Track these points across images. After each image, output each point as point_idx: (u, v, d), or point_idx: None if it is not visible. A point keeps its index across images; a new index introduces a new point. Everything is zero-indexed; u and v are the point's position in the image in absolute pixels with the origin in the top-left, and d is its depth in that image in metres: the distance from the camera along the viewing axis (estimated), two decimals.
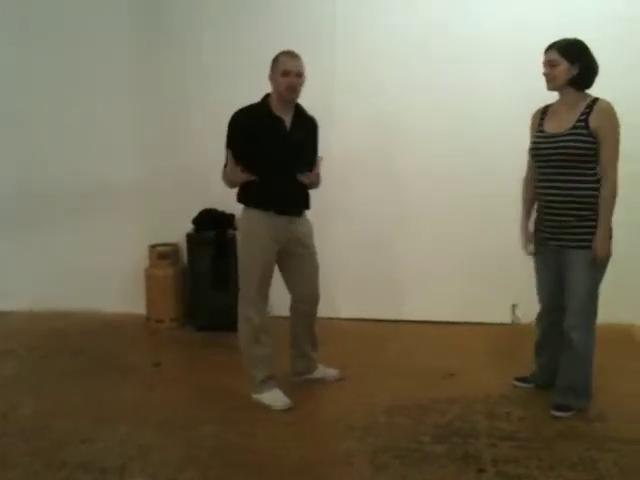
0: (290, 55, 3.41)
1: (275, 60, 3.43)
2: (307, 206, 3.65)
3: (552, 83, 3.29)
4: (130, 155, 5.10)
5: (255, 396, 3.61)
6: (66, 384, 3.97)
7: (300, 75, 3.41)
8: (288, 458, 3.08)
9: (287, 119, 3.47)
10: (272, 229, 3.47)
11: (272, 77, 3.43)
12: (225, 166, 3.47)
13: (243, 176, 3.39)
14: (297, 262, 3.64)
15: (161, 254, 4.97)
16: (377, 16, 4.65)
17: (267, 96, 3.50)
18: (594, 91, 3.27)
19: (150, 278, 5.01)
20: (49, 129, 5.18)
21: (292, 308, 3.77)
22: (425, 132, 4.70)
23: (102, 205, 5.20)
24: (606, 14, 4.33)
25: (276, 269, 3.64)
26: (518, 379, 3.80)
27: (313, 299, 3.75)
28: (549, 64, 3.26)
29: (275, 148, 3.40)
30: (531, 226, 3.58)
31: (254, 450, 3.16)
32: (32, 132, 5.18)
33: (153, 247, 5.01)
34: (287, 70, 3.36)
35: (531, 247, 3.58)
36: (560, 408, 3.40)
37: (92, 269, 5.22)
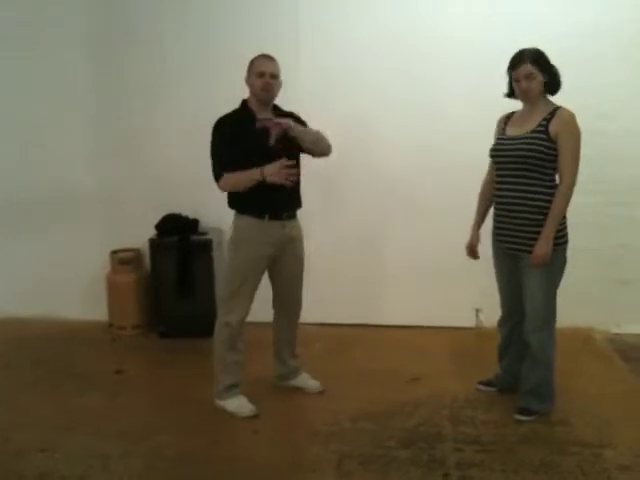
0: (265, 57, 3.44)
1: (251, 63, 3.45)
2: (299, 204, 3.63)
3: (530, 95, 3.26)
4: (93, 159, 5.02)
5: (219, 402, 3.57)
6: (27, 393, 3.91)
7: (275, 76, 3.43)
8: (252, 466, 3.06)
9: None
10: (266, 235, 3.46)
11: (248, 80, 3.45)
12: (217, 179, 3.38)
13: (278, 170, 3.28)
14: (285, 266, 3.63)
15: (123, 260, 4.89)
16: (341, 21, 4.66)
17: (245, 102, 3.50)
18: (558, 97, 3.31)
19: (111, 284, 4.93)
20: (5, 136, 5.08)
21: (275, 312, 3.77)
22: (392, 138, 4.71)
23: (63, 210, 5.12)
24: (569, 23, 4.39)
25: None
26: (482, 383, 3.81)
27: (295, 304, 3.75)
28: (528, 77, 3.22)
29: (263, 151, 3.34)
30: (483, 230, 3.62)
31: (217, 458, 3.12)
32: None
33: (115, 253, 4.93)
34: (262, 71, 3.39)
35: (475, 249, 3.64)
36: (523, 412, 3.43)
37: (53, 275, 5.13)
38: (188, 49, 4.82)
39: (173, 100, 4.86)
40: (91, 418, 3.56)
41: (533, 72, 3.21)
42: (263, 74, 3.39)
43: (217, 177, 3.39)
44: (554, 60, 3.26)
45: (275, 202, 3.45)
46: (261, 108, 3.45)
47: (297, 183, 3.58)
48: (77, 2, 4.88)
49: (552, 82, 3.25)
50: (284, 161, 3.28)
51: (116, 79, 4.95)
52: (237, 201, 3.50)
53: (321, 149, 3.56)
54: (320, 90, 4.68)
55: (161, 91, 4.90)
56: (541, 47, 3.26)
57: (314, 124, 4.38)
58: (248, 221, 3.47)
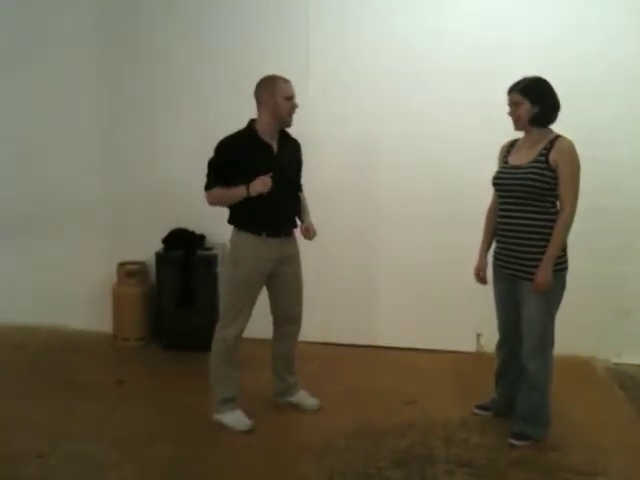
0: (287, 80, 3.50)
1: (271, 84, 3.47)
2: (295, 225, 3.71)
3: (517, 124, 3.38)
4: (102, 173, 5.12)
5: (216, 416, 3.60)
6: (27, 399, 3.95)
7: None
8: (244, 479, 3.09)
9: (274, 143, 3.53)
10: (264, 252, 3.52)
11: (269, 100, 3.45)
12: (207, 189, 3.50)
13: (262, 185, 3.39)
14: (283, 283, 3.68)
15: (129, 272, 4.96)
16: (350, 45, 4.74)
17: (252, 121, 3.54)
18: (557, 126, 3.36)
19: (117, 296, 4.98)
20: (17, 145, 5.20)
21: (275, 329, 3.81)
22: (394, 156, 4.76)
23: (72, 221, 5.20)
24: (572, 54, 4.45)
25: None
26: (478, 407, 3.82)
27: (295, 320, 3.79)
28: (512, 104, 3.35)
29: (265, 173, 3.40)
30: (489, 255, 3.65)
31: (210, 471, 3.16)
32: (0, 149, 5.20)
33: (122, 265, 4.99)
34: (291, 95, 3.47)
35: (483, 275, 3.66)
36: (517, 437, 3.43)
37: (60, 285, 5.18)
38: (195, 66, 4.91)
39: (183, 116, 4.95)
40: (89, 426, 3.61)
41: (518, 100, 3.30)
42: (291, 97, 3.47)
43: (207, 188, 3.51)
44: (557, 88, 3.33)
45: (273, 219, 3.52)
46: (272, 130, 3.51)
47: (295, 202, 3.67)
48: (82, 18, 4.98)
49: (542, 114, 3.30)
50: (265, 178, 3.38)
51: (125, 94, 5.05)
52: (236, 217, 3.57)
53: None
54: (328, 112, 4.75)
55: (170, 107, 4.98)
56: (543, 75, 3.34)
57: (319, 145, 4.48)
58: (246, 237, 3.53)
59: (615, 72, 4.48)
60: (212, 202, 3.55)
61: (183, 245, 4.83)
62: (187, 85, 4.94)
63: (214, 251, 4.82)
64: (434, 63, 4.62)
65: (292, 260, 3.68)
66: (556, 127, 3.36)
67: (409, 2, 4.63)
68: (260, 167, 3.41)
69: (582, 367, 4.56)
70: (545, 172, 3.23)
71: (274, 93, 3.45)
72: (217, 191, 3.48)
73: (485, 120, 4.08)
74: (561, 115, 3.35)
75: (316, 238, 3.75)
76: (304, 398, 3.88)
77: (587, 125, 4.28)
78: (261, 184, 3.37)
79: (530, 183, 3.25)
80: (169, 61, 4.94)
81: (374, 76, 4.71)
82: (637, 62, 4.47)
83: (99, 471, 3.12)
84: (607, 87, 4.49)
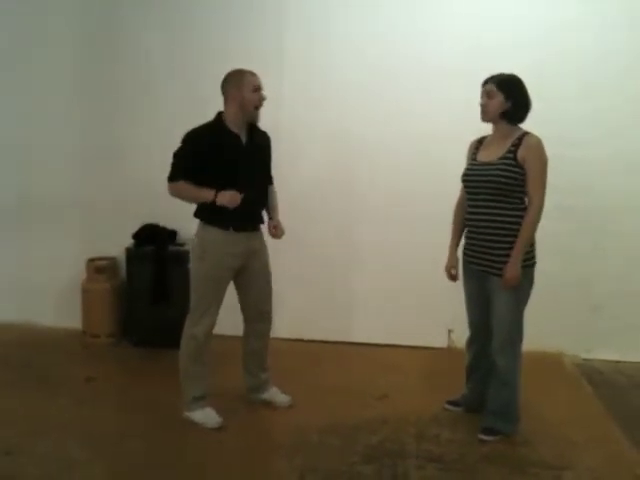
0: (254, 73, 3.46)
1: (239, 77, 3.44)
2: (262, 220, 3.69)
3: (486, 114, 3.40)
4: (72, 168, 5.07)
5: (187, 414, 3.57)
6: None
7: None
8: (215, 477, 3.07)
9: (242, 135, 3.50)
10: (230, 247, 3.49)
11: (236, 94, 3.42)
12: (171, 180, 3.45)
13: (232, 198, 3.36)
14: (252, 279, 3.65)
15: (98, 268, 4.91)
16: (324, 43, 4.75)
17: (220, 114, 3.51)
18: (527, 125, 3.38)
19: (86, 292, 4.93)
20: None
21: (245, 326, 3.77)
22: (369, 156, 4.79)
23: (41, 217, 5.15)
24: (553, 52, 4.51)
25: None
26: (449, 402, 3.85)
27: (266, 316, 3.76)
28: (486, 95, 3.37)
29: (233, 166, 3.40)
30: (459, 251, 3.66)
31: (180, 468, 3.13)
32: None
33: (91, 261, 4.94)
34: (257, 86, 3.44)
35: (454, 272, 3.67)
36: (487, 432, 3.46)
37: (28, 281, 5.14)
38: (173, 63, 4.89)
39: (153, 112, 4.93)
40: (59, 423, 3.56)
41: (493, 91, 3.33)
42: (259, 89, 3.44)
43: (171, 179, 3.45)
44: (528, 87, 3.35)
45: (241, 213, 3.46)
46: (240, 123, 3.48)
47: (264, 196, 3.67)
48: (64, 18, 4.95)
49: (514, 110, 3.33)
50: (237, 194, 3.36)
51: (99, 90, 5.01)
52: (203, 211, 3.52)
53: None
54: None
55: (141, 103, 4.96)
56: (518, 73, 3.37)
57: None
58: (213, 232, 3.49)
59: (597, 69, 4.54)
60: (174, 194, 3.49)
61: (154, 240, 4.79)
62: (162, 84, 4.92)
63: (186, 247, 4.77)
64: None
65: (259, 254, 3.65)
66: (527, 124, 3.38)
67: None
68: (227, 158, 3.39)
69: (551, 363, 4.62)
70: (514, 168, 3.26)
71: (241, 86, 3.42)
72: (183, 185, 3.43)
73: None
74: (536, 113, 3.38)
75: (290, 236, 3.74)
76: (276, 395, 3.86)
77: (560, 123, 4.36)
78: (229, 198, 3.34)
79: (499, 180, 3.27)
80: (146, 62, 4.93)
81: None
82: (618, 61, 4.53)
83: (69, 469, 3.08)
84: (588, 85, 4.54)
